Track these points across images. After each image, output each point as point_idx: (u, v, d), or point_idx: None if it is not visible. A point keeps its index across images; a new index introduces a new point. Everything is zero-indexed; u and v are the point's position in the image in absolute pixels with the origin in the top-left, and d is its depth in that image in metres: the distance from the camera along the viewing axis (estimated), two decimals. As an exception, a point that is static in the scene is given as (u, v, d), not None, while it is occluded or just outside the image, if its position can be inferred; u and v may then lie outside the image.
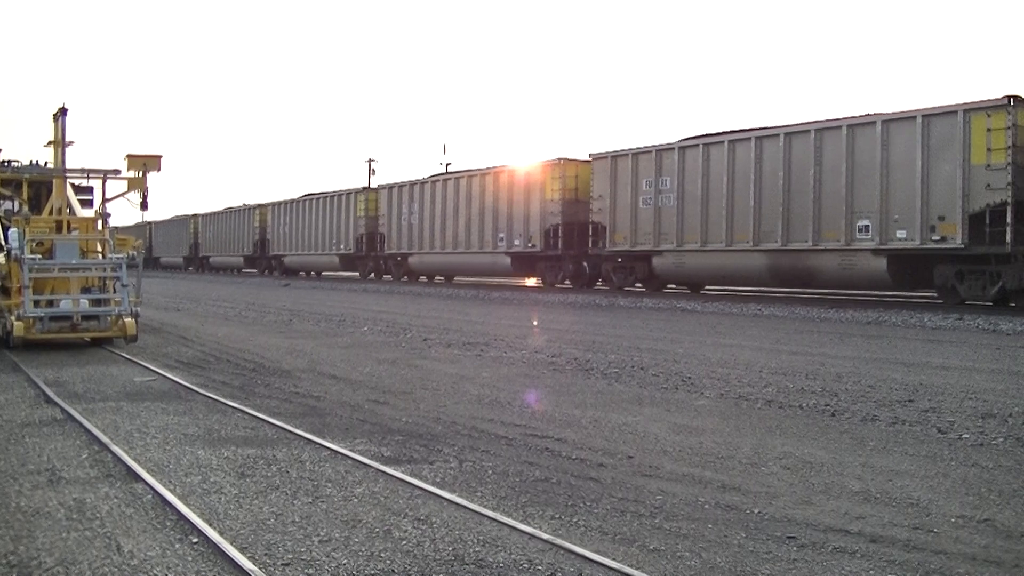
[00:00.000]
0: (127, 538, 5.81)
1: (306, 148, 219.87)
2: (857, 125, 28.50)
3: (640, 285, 38.27)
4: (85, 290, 17.67)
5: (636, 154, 36.15)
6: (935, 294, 28.70)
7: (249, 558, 5.36)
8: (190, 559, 5.42)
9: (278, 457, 8.12)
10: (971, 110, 25.60)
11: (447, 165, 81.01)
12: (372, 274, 55.85)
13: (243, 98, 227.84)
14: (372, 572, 5.22)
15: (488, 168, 44.97)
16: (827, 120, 29.75)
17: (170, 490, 6.87)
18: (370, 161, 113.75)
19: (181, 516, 6.22)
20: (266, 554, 5.49)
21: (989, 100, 25.35)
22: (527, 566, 5.32)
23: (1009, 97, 24.88)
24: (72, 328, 16.85)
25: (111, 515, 6.31)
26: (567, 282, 42.02)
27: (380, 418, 10.10)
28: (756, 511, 6.43)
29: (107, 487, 7.08)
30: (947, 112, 26.22)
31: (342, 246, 57.62)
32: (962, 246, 25.76)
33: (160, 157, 19.43)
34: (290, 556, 5.46)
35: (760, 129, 32.04)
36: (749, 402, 11.07)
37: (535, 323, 23.50)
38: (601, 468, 7.79)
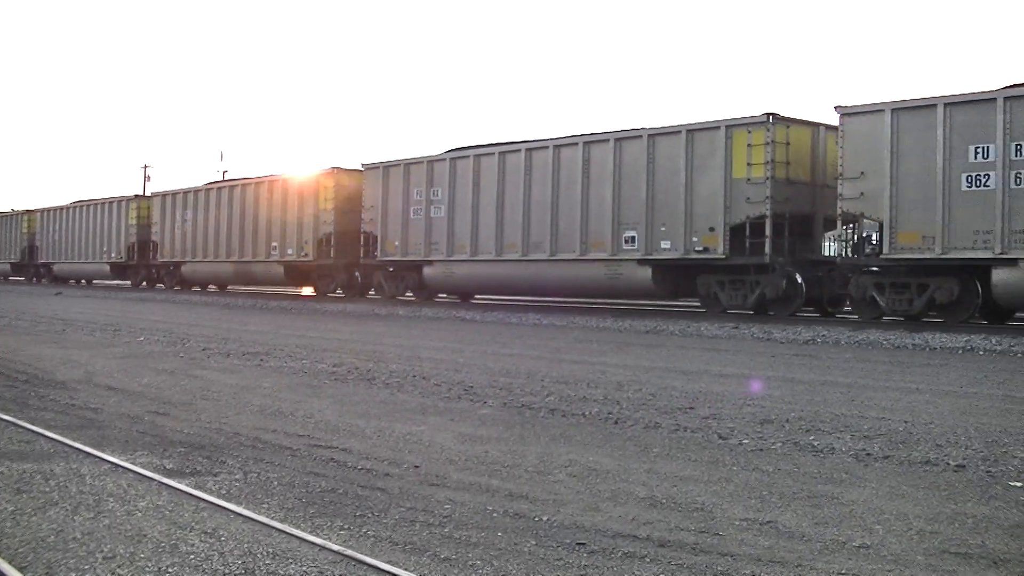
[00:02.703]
0: None
1: (78, 152, 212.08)
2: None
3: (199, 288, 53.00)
4: None
5: (179, 193, 52.35)
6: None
7: (29, 577, 5.18)
8: (-36, 580, 5.20)
9: (56, 472, 7.84)
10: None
11: (224, 172, 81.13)
12: (35, 278, 70.61)
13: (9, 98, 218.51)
14: (160, 588, 5.12)
15: (110, 198, 59.75)
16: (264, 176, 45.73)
17: (-61, 508, 6.57)
18: (145, 167, 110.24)
19: (-47, 535, 5.95)
20: (47, 573, 5.30)
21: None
22: (319, 578, 5.30)
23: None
24: None
25: None
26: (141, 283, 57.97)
27: (161, 430, 9.86)
28: (545, 518, 6.57)
29: None
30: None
31: (11, 255, 73.56)
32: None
33: None
34: (73, 574, 5.29)
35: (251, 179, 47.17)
36: (532, 411, 11.25)
37: (309, 332, 23.32)
38: (388, 478, 7.81)
